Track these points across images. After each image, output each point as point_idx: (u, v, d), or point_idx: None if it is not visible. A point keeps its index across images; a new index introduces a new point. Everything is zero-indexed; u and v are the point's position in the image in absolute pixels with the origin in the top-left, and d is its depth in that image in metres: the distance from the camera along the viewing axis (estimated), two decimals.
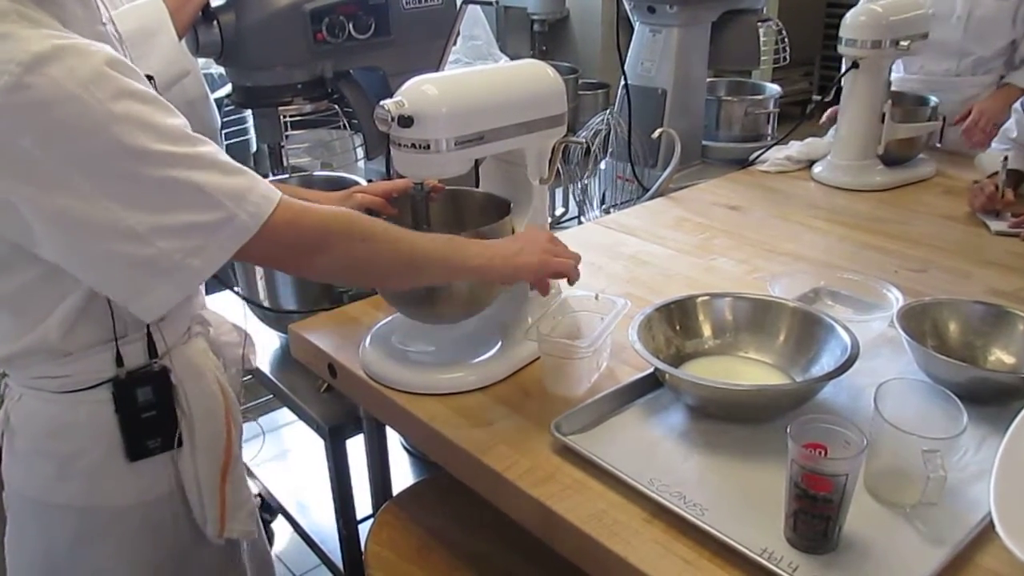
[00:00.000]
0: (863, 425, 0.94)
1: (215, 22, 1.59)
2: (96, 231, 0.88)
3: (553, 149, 1.28)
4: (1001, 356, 1.24)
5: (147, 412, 1.08)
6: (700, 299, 1.29)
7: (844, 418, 0.95)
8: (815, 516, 0.89)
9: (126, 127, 0.86)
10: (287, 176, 1.80)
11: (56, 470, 1.07)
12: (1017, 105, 2.00)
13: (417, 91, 1.14)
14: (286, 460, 2.42)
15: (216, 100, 1.94)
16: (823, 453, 0.91)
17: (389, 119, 1.12)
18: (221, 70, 1.76)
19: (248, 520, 1.22)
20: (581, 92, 2.95)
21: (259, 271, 1.63)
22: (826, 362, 1.16)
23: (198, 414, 1.12)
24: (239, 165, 0.96)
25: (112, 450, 1.07)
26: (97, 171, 0.86)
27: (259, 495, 2.02)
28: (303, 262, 1.03)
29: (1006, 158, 1.90)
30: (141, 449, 1.08)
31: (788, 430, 0.90)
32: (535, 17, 4.24)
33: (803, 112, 2.34)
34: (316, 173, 1.80)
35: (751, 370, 1.23)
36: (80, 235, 0.89)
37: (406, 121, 1.12)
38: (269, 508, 2.17)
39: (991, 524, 0.86)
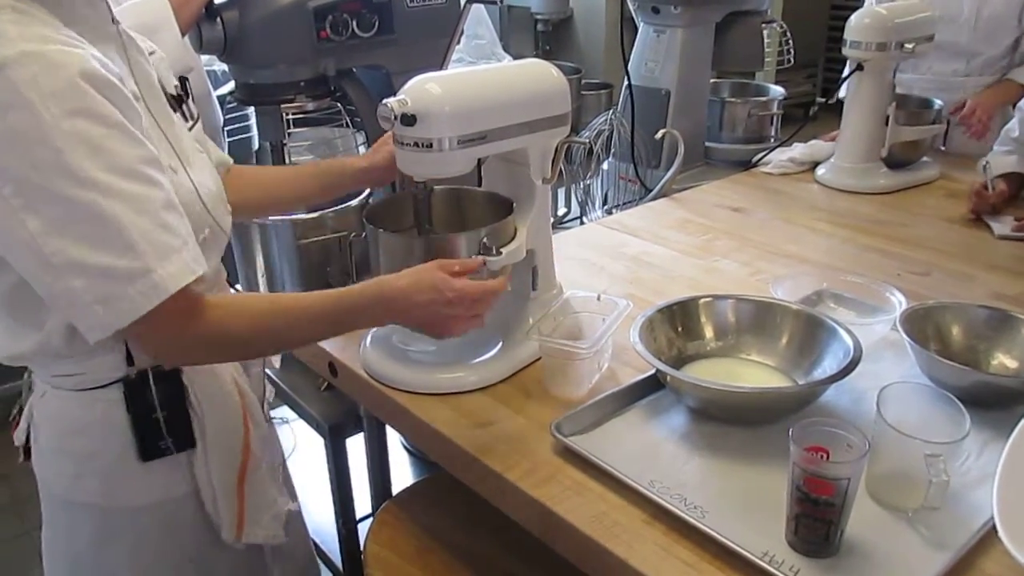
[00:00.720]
0: (865, 428, 0.93)
1: (218, 19, 1.58)
2: (20, 252, 0.86)
3: (556, 149, 1.28)
4: (1004, 360, 1.23)
5: (158, 412, 1.06)
6: (702, 301, 1.29)
7: (846, 421, 0.94)
8: (817, 520, 0.89)
9: (72, 145, 0.83)
10: None
11: (75, 468, 1.07)
12: (1022, 104, 2.00)
13: (420, 89, 1.13)
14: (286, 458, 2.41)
15: (219, 97, 1.94)
16: (825, 456, 0.90)
17: (392, 117, 1.11)
18: (224, 67, 1.76)
19: (273, 524, 1.20)
20: (584, 92, 2.95)
21: (260, 268, 1.63)
22: (828, 365, 1.15)
23: (211, 414, 1.10)
24: (179, 225, 0.92)
25: (126, 450, 1.06)
26: (31, 185, 0.83)
27: None
28: (185, 354, 1.01)
29: (987, 162, 1.91)
30: (153, 449, 1.07)
31: (790, 433, 0.90)
32: (539, 17, 4.24)
33: (807, 114, 2.34)
34: None
35: (753, 372, 1.23)
36: (11, 251, 0.87)
37: (409, 120, 1.11)
38: None
39: (994, 529, 0.85)
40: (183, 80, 1.17)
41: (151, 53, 1.14)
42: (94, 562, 1.11)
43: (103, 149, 0.85)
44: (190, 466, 1.11)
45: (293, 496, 1.35)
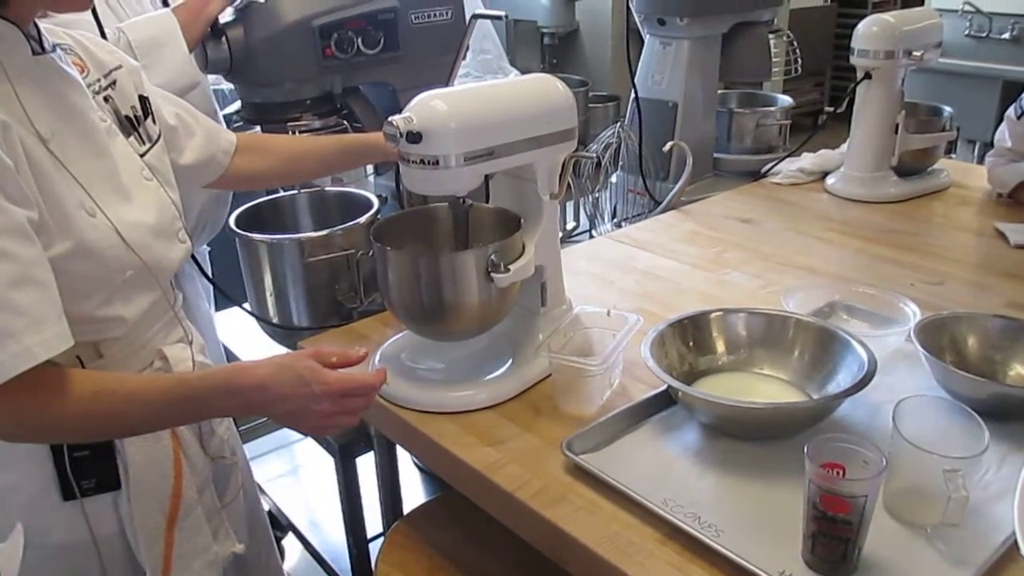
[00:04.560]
0: (881, 443, 0.92)
1: (224, 38, 1.58)
2: None
3: (563, 164, 1.27)
4: (1021, 371, 1.21)
5: (80, 451, 1.03)
6: (714, 315, 1.27)
7: (862, 436, 0.93)
8: (834, 538, 0.87)
9: None
10: (296, 191, 1.79)
11: None
12: (1010, 112, 1.98)
13: (426, 106, 1.13)
14: (297, 476, 2.41)
15: (225, 116, 1.94)
16: (841, 473, 0.89)
17: (398, 135, 1.11)
18: (231, 86, 1.76)
19: (205, 571, 1.13)
20: (592, 105, 2.94)
21: (268, 286, 1.62)
22: (843, 378, 1.14)
23: (136, 456, 1.05)
24: (30, 303, 0.86)
25: (47, 487, 1.03)
26: None
27: (278, 533, 2.01)
28: (23, 438, 0.96)
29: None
30: (75, 488, 1.04)
31: (805, 449, 0.88)
32: (545, 30, 4.24)
33: (815, 123, 2.32)
34: (327, 188, 1.80)
35: (766, 387, 1.21)
36: None
37: (415, 137, 1.11)
38: (280, 525, 2.16)
39: (1015, 544, 0.83)
40: (143, 100, 1.14)
41: (115, 69, 1.11)
42: None
43: None
44: (117, 506, 1.07)
45: (270, 534, 1.32)
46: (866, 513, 0.86)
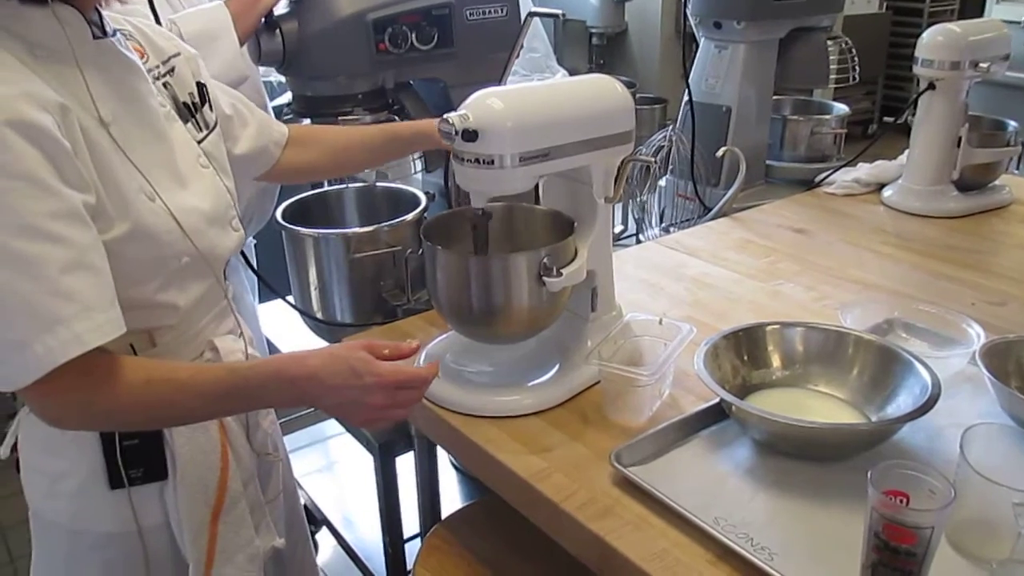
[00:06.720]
0: (943, 468, 0.88)
1: (278, 30, 1.57)
2: None
3: (620, 167, 1.24)
4: None
5: (129, 440, 1.02)
6: (769, 328, 1.24)
7: (926, 463, 0.89)
8: (895, 570, 0.83)
9: None
10: (344, 186, 1.78)
11: (46, 487, 1.05)
12: None
13: (482, 105, 1.10)
14: (333, 472, 2.41)
15: (275, 108, 1.94)
16: (905, 502, 0.85)
17: (453, 133, 1.09)
18: (280, 78, 1.76)
19: (248, 565, 1.12)
20: (638, 107, 2.90)
21: (312, 281, 1.61)
22: (903, 401, 1.10)
23: (184, 447, 1.04)
24: (83, 288, 0.85)
25: (95, 475, 1.03)
26: None
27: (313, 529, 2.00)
28: (72, 424, 0.95)
29: None
30: (123, 477, 1.03)
31: (869, 476, 0.84)
32: (594, 30, 4.22)
33: (865, 132, 2.25)
34: (376, 184, 1.78)
35: (822, 405, 1.17)
36: None
37: (470, 135, 1.08)
38: (314, 519, 2.15)
39: None
40: (200, 87, 1.14)
41: (173, 56, 1.11)
42: None
43: (4, 204, 0.81)
44: (163, 497, 1.07)
45: (307, 530, 1.31)
46: (932, 545, 0.82)
